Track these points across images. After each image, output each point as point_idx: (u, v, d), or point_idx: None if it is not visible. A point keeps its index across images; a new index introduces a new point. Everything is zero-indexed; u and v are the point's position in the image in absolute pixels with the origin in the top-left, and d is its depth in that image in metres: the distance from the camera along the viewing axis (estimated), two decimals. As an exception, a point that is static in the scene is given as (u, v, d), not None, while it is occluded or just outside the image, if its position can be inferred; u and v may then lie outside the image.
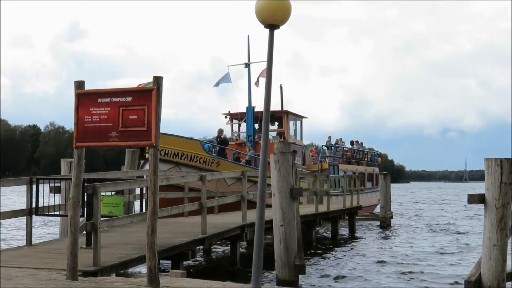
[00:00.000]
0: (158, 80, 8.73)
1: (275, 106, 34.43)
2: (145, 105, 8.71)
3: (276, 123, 34.80)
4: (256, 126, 32.43)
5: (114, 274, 11.04)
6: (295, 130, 35.57)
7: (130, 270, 12.56)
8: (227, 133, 33.79)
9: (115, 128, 8.90)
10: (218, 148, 29.24)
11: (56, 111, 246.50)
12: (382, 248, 22.79)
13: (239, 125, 34.98)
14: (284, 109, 34.91)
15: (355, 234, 27.19)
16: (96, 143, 9.15)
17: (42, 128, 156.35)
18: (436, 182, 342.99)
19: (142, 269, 13.54)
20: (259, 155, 29.42)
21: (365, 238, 26.04)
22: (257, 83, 32.69)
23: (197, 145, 27.61)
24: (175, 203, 17.49)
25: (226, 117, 35.09)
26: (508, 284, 11.25)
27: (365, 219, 33.30)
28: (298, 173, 21.72)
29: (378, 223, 31.57)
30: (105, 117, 8.96)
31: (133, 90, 9.02)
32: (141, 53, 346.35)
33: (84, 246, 11.79)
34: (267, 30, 8.18)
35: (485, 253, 10.65)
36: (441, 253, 21.45)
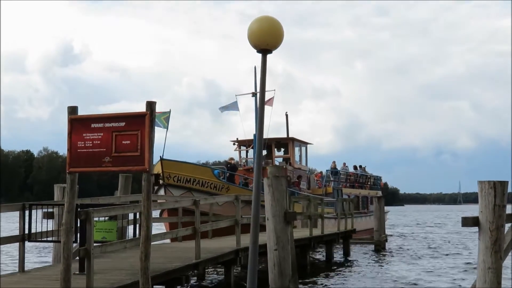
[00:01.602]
0: (151, 105, 8.74)
1: (272, 131, 35.52)
2: (138, 130, 8.71)
3: (282, 149, 36.45)
4: (264, 152, 33.57)
5: (108, 300, 10.96)
6: (300, 156, 37.21)
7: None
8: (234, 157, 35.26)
9: (108, 153, 8.89)
10: (228, 174, 30.42)
11: (49, 136, 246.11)
12: (376, 271, 22.71)
13: (247, 152, 36.27)
14: (292, 136, 36.53)
15: (350, 258, 27.11)
16: (89, 168, 9.13)
17: (35, 154, 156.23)
18: (430, 204, 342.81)
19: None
20: None
21: (359, 262, 25.95)
22: None
23: (208, 172, 29.18)
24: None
25: (234, 143, 36.41)
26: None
27: (360, 243, 33.25)
28: (292, 197, 21.74)
29: (373, 246, 31.51)
30: (98, 142, 8.95)
31: (126, 115, 9.02)
32: (135, 78, 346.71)
33: (77, 272, 11.71)
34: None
35: (480, 276, 10.62)
36: (436, 276, 21.40)
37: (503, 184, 10.56)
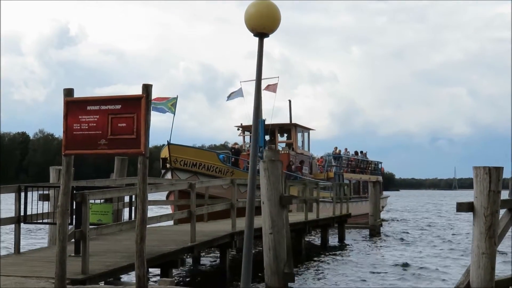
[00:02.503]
0: (147, 88, 8.71)
1: (277, 117, 36.62)
2: (134, 113, 8.68)
3: (285, 135, 37.57)
4: (267, 137, 35.16)
5: (103, 282, 11.00)
6: (302, 142, 38.33)
7: (119, 278, 12.51)
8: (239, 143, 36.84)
9: (104, 136, 8.87)
10: (232, 158, 31.62)
11: (45, 118, 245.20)
12: (371, 256, 22.81)
13: (250, 137, 36.08)
14: (292, 121, 37.66)
15: (345, 242, 27.21)
16: (85, 151, 9.11)
17: (31, 136, 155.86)
18: (425, 190, 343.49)
19: (131, 277, 13.49)
20: None
21: (354, 246, 26.06)
22: (265, 88, 34.30)
23: (213, 156, 30.27)
24: None
25: (238, 129, 37.41)
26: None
27: (355, 227, 33.39)
28: (288, 181, 21.81)
29: (368, 231, 31.65)
30: (94, 125, 8.93)
31: (122, 98, 8.99)
32: (131, 61, 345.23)
33: (73, 254, 11.74)
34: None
35: (474, 261, 10.67)
36: (430, 261, 21.49)
37: (498, 170, 10.60)
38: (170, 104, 27.33)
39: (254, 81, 31.68)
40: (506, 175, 11.22)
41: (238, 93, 34.13)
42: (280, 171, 14.12)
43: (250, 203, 8.00)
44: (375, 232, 31.11)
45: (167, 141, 28.56)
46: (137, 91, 8.88)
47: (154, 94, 8.81)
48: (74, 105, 9.12)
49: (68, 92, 9.24)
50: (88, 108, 9.01)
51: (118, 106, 8.84)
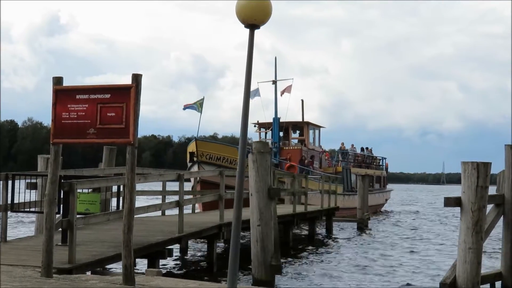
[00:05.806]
0: (137, 78, 8.69)
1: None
2: (123, 103, 8.66)
3: (298, 132, 41.26)
4: (281, 134, 38.76)
5: (89, 271, 10.98)
6: (314, 138, 41.65)
7: (106, 268, 12.47)
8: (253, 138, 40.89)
9: (93, 125, 8.84)
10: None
11: (34, 107, 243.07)
12: (357, 249, 22.87)
13: (266, 133, 40.53)
14: (303, 120, 41.17)
15: (332, 235, 27.28)
16: (73, 139, 9.09)
17: (19, 124, 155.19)
18: (414, 184, 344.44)
19: (118, 267, 13.47)
20: (283, 159, 34.82)
21: (342, 239, 26.12)
22: (282, 93, 39.12)
23: (235, 151, 32.20)
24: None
25: (255, 126, 40.62)
26: (482, 287, 11.34)
27: (343, 220, 33.47)
28: (276, 173, 21.85)
29: (356, 224, 31.69)
30: (83, 113, 8.90)
31: (111, 87, 8.96)
32: (122, 51, 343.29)
33: (60, 243, 11.70)
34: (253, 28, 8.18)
35: (460, 256, 10.73)
36: (416, 255, 21.57)
37: (486, 165, 10.65)
38: (198, 103, 31.26)
39: (270, 82, 34.41)
40: (494, 170, 11.27)
41: (255, 92, 36.72)
42: (269, 163, 14.13)
43: (238, 195, 7.99)
44: (363, 226, 31.17)
45: (195, 137, 31.90)
46: (128, 81, 8.84)
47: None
48: (63, 94, 9.08)
49: (57, 81, 9.20)
50: (77, 97, 8.98)
51: (107, 95, 8.82)
